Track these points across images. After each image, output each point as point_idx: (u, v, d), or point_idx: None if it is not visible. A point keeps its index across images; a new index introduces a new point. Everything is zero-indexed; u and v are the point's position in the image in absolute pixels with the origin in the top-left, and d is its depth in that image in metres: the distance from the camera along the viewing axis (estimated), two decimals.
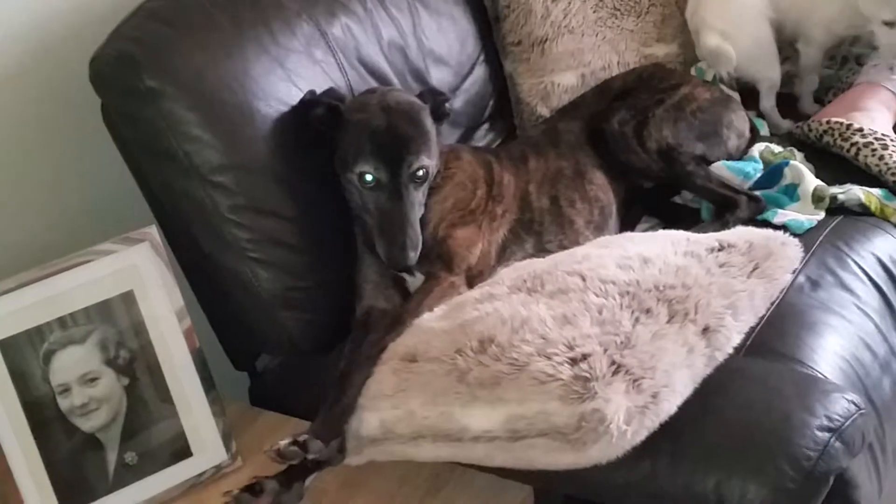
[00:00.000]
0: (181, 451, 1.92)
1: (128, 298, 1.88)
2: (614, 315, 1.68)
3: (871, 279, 2.09)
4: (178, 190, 1.96)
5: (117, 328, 1.88)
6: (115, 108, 1.97)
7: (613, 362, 1.58)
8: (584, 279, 1.78)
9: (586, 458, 1.55)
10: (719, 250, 1.86)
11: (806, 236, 2.13)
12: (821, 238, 2.15)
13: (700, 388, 1.66)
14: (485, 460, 1.67)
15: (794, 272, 1.93)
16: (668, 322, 1.68)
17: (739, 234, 1.94)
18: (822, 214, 2.22)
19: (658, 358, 1.60)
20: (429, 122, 2.01)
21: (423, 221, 2.02)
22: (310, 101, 2.03)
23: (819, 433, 1.61)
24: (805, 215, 2.20)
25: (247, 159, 1.97)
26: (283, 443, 1.74)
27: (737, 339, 1.73)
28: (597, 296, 1.73)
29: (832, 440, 1.61)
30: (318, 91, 2.06)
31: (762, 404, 1.68)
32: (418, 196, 1.97)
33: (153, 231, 1.93)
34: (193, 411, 1.93)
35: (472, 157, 2.21)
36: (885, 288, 2.09)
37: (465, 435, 1.64)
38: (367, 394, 1.79)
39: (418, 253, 1.93)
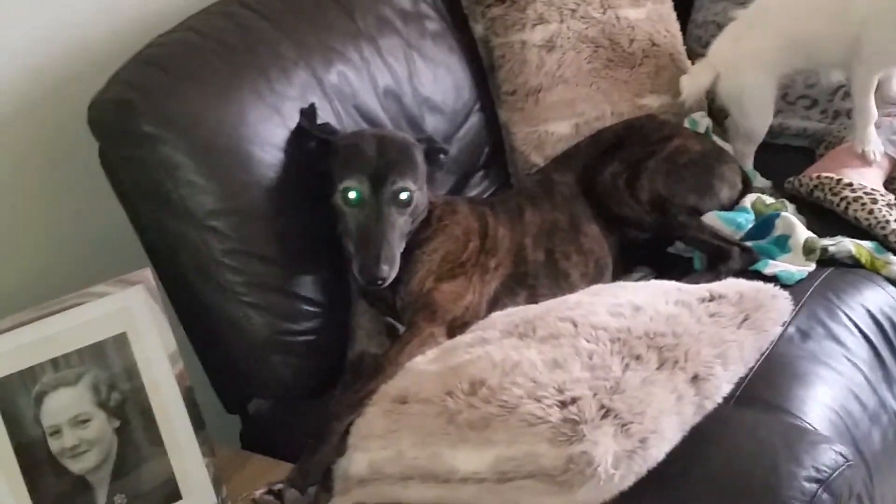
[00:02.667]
0: (171, 494, 1.90)
1: (121, 341, 1.87)
2: (604, 360, 1.68)
3: (860, 331, 2.10)
4: (172, 233, 1.98)
5: (109, 370, 1.86)
6: (112, 152, 1.99)
7: (602, 406, 1.57)
8: (575, 325, 1.79)
9: (573, 501, 1.53)
10: (710, 300, 1.86)
11: (796, 287, 2.14)
12: (811, 289, 2.16)
13: (688, 436, 1.65)
14: (472, 502, 1.65)
15: (783, 324, 1.93)
16: (658, 369, 1.68)
17: (730, 285, 1.94)
18: (812, 266, 2.23)
19: (647, 404, 1.60)
20: (419, 157, 2.04)
21: (412, 272, 2.04)
22: (304, 134, 2.06)
23: (806, 484, 1.62)
24: (796, 266, 2.21)
25: (241, 204, 1.99)
26: (259, 492, 1.76)
27: (726, 389, 1.73)
28: (588, 341, 1.73)
29: (819, 491, 1.62)
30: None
31: (750, 454, 1.69)
32: (399, 221, 1.98)
33: (148, 273, 1.92)
34: (184, 454, 1.91)
35: (467, 210, 2.22)
36: (874, 340, 2.10)
37: (453, 476, 1.64)
38: (357, 433, 1.79)
39: (393, 271, 1.93)
